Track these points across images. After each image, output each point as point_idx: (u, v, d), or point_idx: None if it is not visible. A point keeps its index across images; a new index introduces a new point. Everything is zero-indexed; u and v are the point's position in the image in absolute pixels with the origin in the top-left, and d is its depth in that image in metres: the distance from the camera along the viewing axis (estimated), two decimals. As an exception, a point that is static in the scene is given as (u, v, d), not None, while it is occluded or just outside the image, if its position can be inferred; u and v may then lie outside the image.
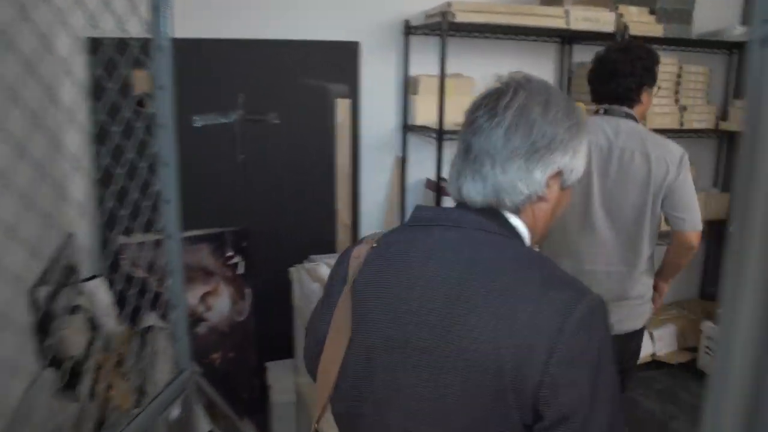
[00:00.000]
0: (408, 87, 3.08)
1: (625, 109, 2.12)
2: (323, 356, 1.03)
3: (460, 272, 0.91)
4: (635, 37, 2.98)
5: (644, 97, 2.15)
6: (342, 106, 2.98)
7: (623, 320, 2.12)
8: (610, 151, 2.06)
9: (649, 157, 2.02)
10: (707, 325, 3.58)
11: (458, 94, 3.02)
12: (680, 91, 3.39)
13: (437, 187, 2.89)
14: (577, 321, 0.85)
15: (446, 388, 0.89)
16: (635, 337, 2.21)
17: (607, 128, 2.08)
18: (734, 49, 3.70)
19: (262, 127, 2.89)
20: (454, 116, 2.97)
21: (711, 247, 3.94)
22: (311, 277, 2.36)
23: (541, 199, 0.99)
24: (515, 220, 1.00)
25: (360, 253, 1.04)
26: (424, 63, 3.03)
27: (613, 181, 2.06)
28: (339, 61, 2.97)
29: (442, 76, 2.75)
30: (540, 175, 0.97)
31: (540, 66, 3.37)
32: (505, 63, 3.25)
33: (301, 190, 3.01)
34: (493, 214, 0.99)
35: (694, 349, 3.68)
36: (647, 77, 2.13)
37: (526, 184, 0.97)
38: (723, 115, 3.65)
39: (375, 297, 0.98)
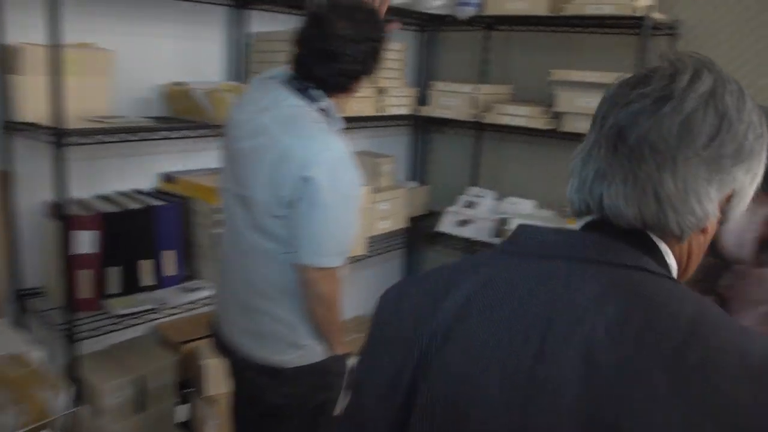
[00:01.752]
0: (5, 63, 2.02)
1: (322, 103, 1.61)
2: None
3: (627, 338, 0.59)
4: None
5: (355, 85, 1.65)
6: None
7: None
8: None
9: None
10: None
11: (89, 74, 2.07)
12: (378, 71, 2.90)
13: (61, 214, 1.92)
14: None
15: None
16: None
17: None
18: (427, 25, 3.33)
19: None
20: (84, 107, 2.02)
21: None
22: None
23: (703, 230, 0.70)
24: (671, 260, 0.70)
25: None
26: (30, 25, 1.99)
27: None
28: None
29: (58, 46, 1.79)
30: (715, 193, 0.68)
31: (207, 37, 2.56)
32: (160, 30, 2.39)
33: None
34: (644, 242, 0.68)
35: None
36: (373, 65, 1.65)
37: (699, 202, 0.67)
38: (420, 100, 3.25)
39: (475, 369, 0.66)
